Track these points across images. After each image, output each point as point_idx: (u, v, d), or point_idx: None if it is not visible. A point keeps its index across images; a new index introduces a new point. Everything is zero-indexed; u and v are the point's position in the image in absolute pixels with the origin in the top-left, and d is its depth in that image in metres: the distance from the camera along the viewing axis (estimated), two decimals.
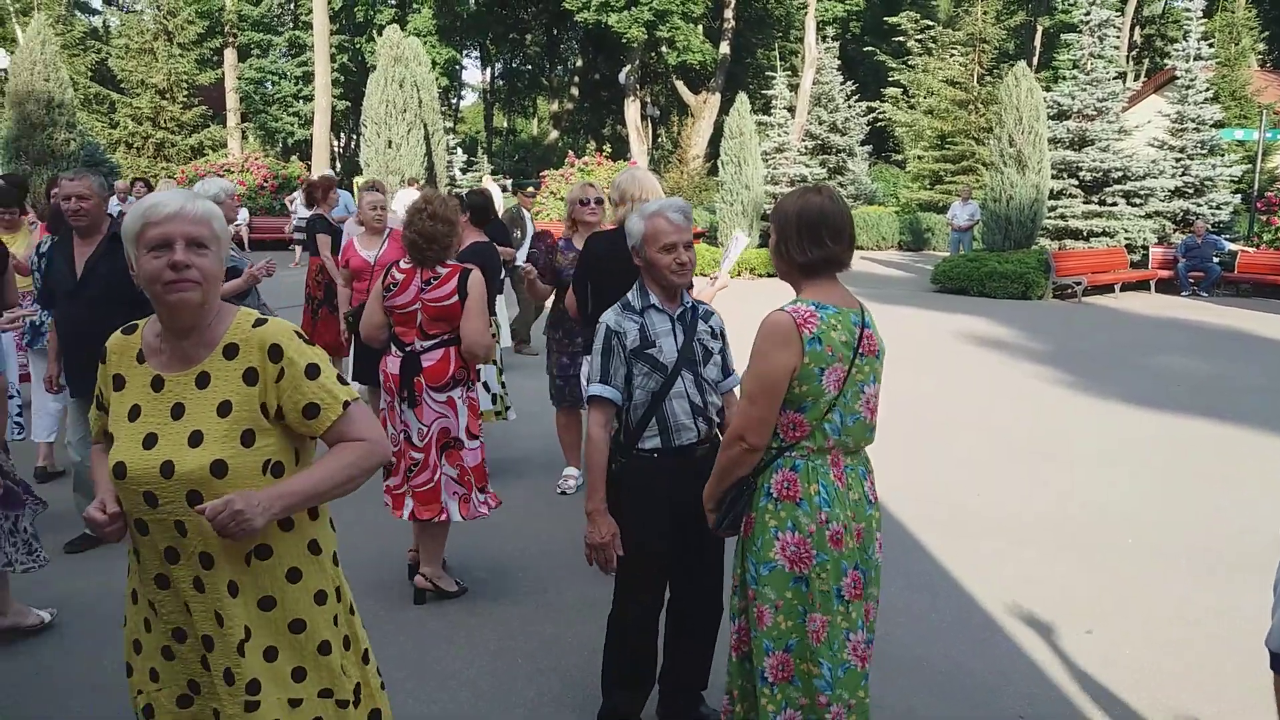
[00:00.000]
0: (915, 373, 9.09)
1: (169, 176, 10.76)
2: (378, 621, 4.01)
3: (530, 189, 12.13)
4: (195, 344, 2.02)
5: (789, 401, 2.49)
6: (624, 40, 31.68)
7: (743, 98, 19.93)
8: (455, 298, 4.15)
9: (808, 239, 2.51)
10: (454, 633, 4.08)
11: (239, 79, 33.88)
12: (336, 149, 34.46)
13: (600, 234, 4.77)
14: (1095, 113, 18.71)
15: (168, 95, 29.01)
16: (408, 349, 4.22)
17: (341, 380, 2.08)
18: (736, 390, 3.14)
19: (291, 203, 19.70)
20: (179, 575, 1.99)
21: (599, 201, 5.51)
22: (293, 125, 34.88)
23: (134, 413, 2.02)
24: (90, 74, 33.71)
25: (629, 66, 33.71)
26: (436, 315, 4.17)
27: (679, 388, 3.01)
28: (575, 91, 45.35)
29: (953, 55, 29.91)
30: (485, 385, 5.98)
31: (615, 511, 3.03)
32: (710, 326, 3.15)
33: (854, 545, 2.53)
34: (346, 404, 2.05)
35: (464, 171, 29.61)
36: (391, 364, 4.26)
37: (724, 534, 2.71)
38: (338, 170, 30.23)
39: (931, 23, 33.08)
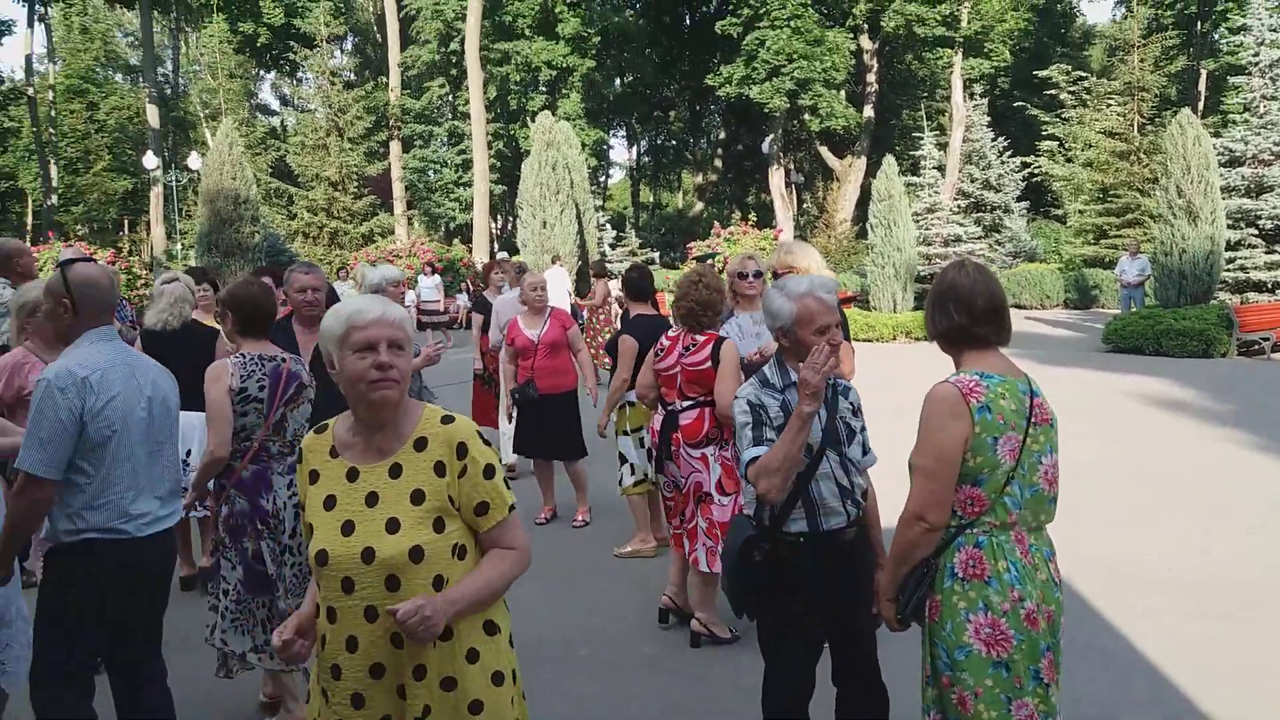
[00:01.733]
0: (1091, 436, 8.62)
1: (370, 263, 11.53)
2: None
3: (709, 260, 12.22)
4: (388, 437, 2.17)
5: (964, 475, 2.41)
6: (766, 111, 32.05)
7: (890, 160, 19.78)
8: (709, 364, 4.57)
9: (938, 311, 2.57)
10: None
11: (404, 169, 36.00)
12: (494, 230, 35.99)
13: None
14: (1272, 157, 17.61)
15: (339, 187, 31.13)
16: (669, 408, 4.71)
17: (507, 484, 2.24)
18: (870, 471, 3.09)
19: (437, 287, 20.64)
20: (354, 664, 2.09)
21: (758, 275, 5.52)
22: (454, 210, 36.70)
23: (330, 502, 2.15)
24: (270, 170, 36.66)
25: (772, 136, 34.01)
26: (693, 379, 4.63)
27: (825, 468, 2.90)
28: (719, 163, 46.01)
29: (1110, 105, 28.85)
30: (621, 456, 5.99)
31: (760, 598, 2.98)
32: (850, 403, 3.07)
33: (1045, 627, 2.41)
34: (511, 507, 2.21)
35: (613, 247, 30.35)
36: (656, 420, 4.83)
37: (904, 624, 2.60)
38: (495, 251, 31.53)
39: (1084, 74, 32.07)
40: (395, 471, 2.13)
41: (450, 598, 2.05)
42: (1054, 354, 15.22)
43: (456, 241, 35.15)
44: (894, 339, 18.20)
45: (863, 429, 3.07)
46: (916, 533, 2.47)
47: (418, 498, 2.11)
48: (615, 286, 12.75)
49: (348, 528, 2.10)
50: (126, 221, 44.50)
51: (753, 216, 29.48)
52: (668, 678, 4.38)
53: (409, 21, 37.53)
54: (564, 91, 36.70)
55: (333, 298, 5.27)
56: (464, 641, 2.13)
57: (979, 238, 23.65)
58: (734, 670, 4.35)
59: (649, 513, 6.01)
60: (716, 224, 24.51)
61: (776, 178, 34.84)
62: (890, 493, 3.35)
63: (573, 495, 6.81)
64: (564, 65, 35.32)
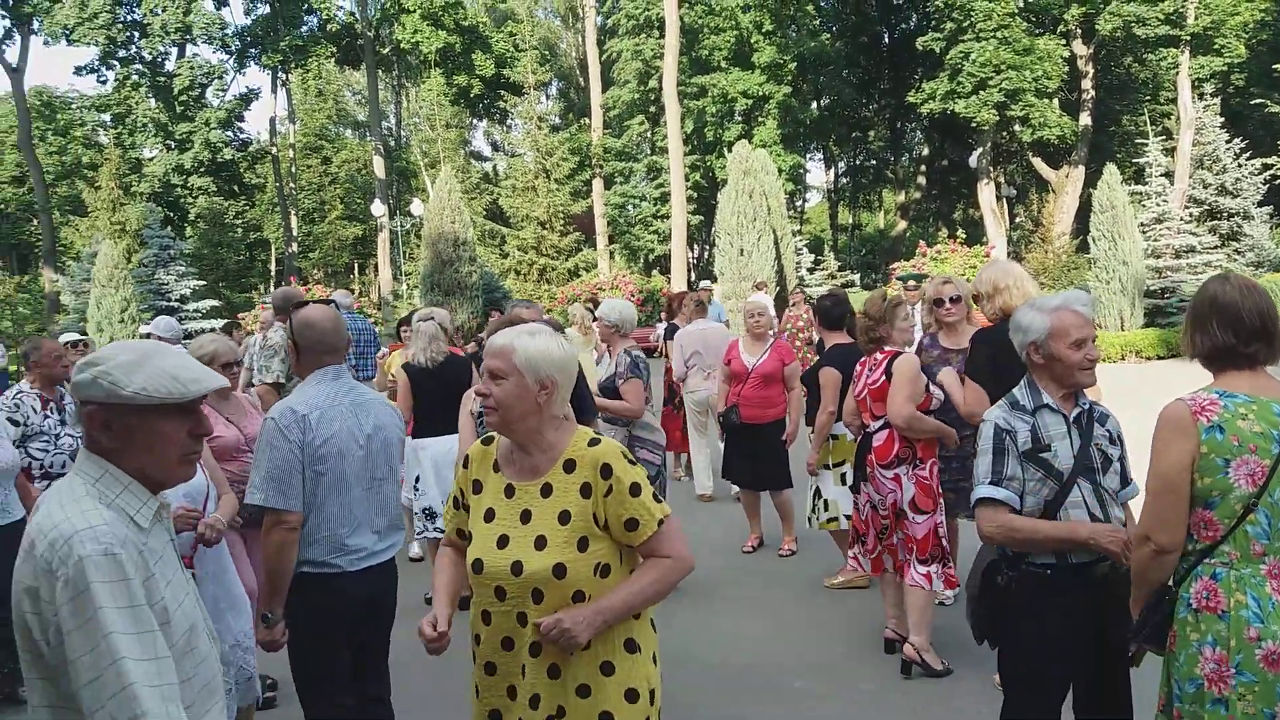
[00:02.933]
0: None
1: (585, 304, 12.08)
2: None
3: (912, 282, 11.84)
4: (539, 458, 2.32)
5: (1194, 497, 2.31)
6: (974, 125, 30.89)
7: (1111, 169, 18.59)
8: (884, 380, 4.65)
9: (1199, 329, 2.45)
10: None
11: (606, 205, 37.15)
12: (691, 260, 36.45)
13: (986, 331, 4.59)
14: None
15: (547, 225, 32.48)
16: (866, 430, 4.80)
17: (657, 498, 2.30)
18: (1133, 503, 2.88)
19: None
20: (507, 663, 2.28)
21: (955, 300, 5.30)
22: (652, 242, 37.48)
23: (489, 515, 2.34)
24: (484, 213, 38.72)
25: (980, 150, 32.70)
26: (876, 398, 4.70)
27: (1075, 497, 2.74)
28: (922, 180, 44.68)
29: None
30: (817, 490, 5.87)
31: (1002, 629, 2.85)
32: (1108, 430, 2.88)
33: None
34: (661, 520, 2.28)
35: (811, 271, 30.03)
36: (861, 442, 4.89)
37: (1141, 647, 2.50)
38: (692, 280, 31.89)
39: None
40: (546, 491, 2.28)
41: (599, 607, 2.19)
42: None
43: (655, 272, 35.84)
44: (1122, 359, 16.95)
45: (1121, 458, 2.89)
46: (1145, 553, 2.40)
47: (564, 518, 2.25)
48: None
49: (502, 541, 2.27)
50: (357, 265, 48.17)
51: (961, 234, 28.40)
52: (883, 712, 4.26)
53: (609, 64, 38.85)
54: (760, 119, 36.80)
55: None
56: (599, 654, 2.23)
57: (1215, 247, 21.70)
58: (953, 708, 4.19)
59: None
60: (922, 243, 23.79)
61: (986, 192, 33.42)
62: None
63: (779, 524, 6.75)
64: (760, 94, 35.45)
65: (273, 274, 44.56)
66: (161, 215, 29.32)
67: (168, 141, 36.12)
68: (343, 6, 38.61)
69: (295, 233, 41.34)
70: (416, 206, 32.80)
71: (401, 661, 3.59)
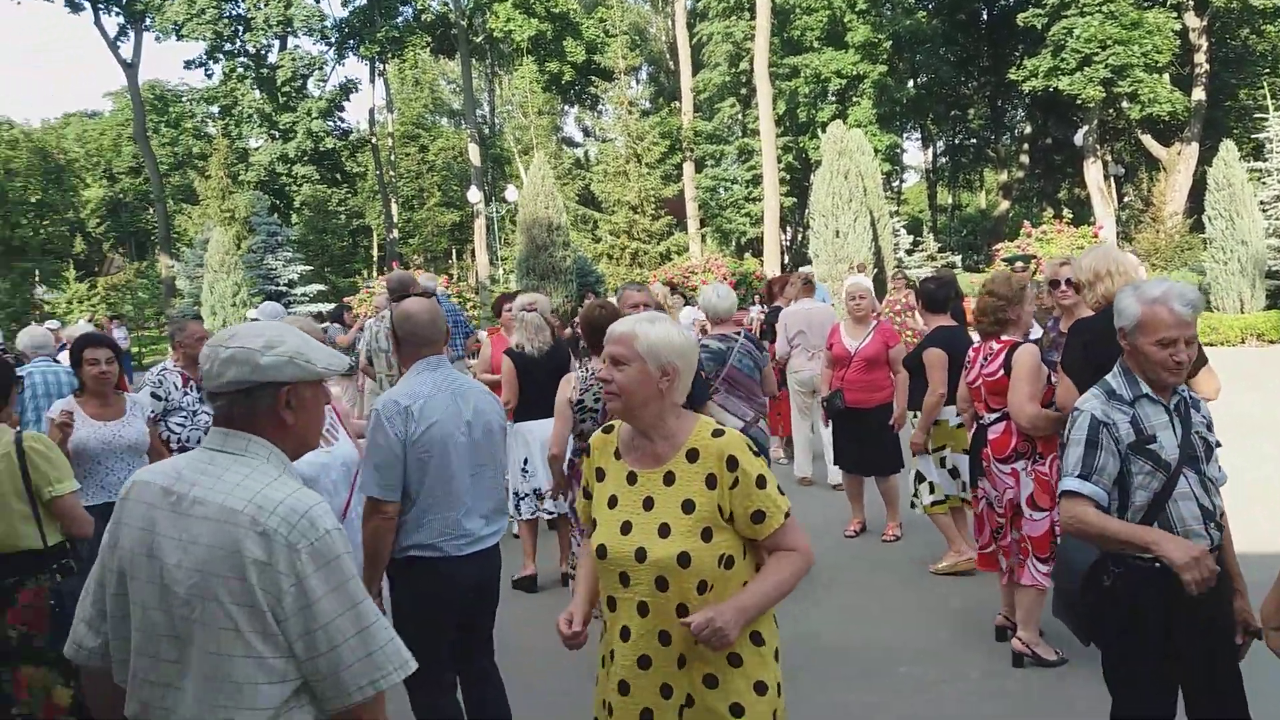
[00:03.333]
0: None
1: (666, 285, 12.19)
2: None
3: (1019, 263, 11.53)
4: (662, 446, 2.33)
5: None
6: (1078, 102, 29.78)
7: (1228, 145, 17.76)
8: (1002, 372, 4.42)
9: None
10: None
11: (697, 188, 37.03)
12: (784, 242, 36.09)
13: (1085, 321, 4.44)
14: None
15: (639, 209, 32.54)
16: (979, 421, 4.59)
17: (781, 491, 2.31)
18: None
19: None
20: (625, 652, 2.28)
21: (1070, 282, 5.12)
22: (744, 225, 37.21)
23: (612, 501, 2.36)
24: (577, 198, 39.01)
25: (1086, 128, 31.50)
26: (992, 389, 4.50)
27: (1183, 488, 2.65)
28: (1025, 159, 43.27)
29: None
30: (919, 474, 5.78)
31: (1105, 626, 2.78)
32: (1204, 417, 2.79)
33: None
34: (787, 513, 2.29)
35: (909, 253, 29.43)
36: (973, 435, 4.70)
37: (1247, 638, 2.48)
38: (785, 263, 31.56)
39: None
40: (669, 479, 2.29)
41: (740, 604, 2.19)
42: None
43: (748, 255, 35.60)
44: (1242, 342, 16.23)
45: (1217, 444, 2.80)
46: None
47: (688, 507, 2.25)
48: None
49: (626, 527, 2.29)
50: (455, 250, 49.11)
51: (1067, 213, 27.45)
52: (993, 700, 4.19)
53: (699, 47, 38.61)
54: (854, 99, 36.11)
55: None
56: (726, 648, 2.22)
57: None
58: (1065, 699, 4.10)
59: (956, 528, 5.79)
60: (1026, 223, 23.10)
61: (1093, 171, 32.19)
62: (1251, 515, 3.02)
63: (882, 509, 6.68)
64: (854, 73, 34.78)
65: (375, 259, 45.76)
66: (268, 203, 30.40)
67: (272, 131, 37.34)
68: None
69: (395, 219, 42.34)
70: (511, 193, 33.25)
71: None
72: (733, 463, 2.25)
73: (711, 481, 2.25)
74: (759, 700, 2.25)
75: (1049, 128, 40.22)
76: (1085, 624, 2.89)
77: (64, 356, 11.41)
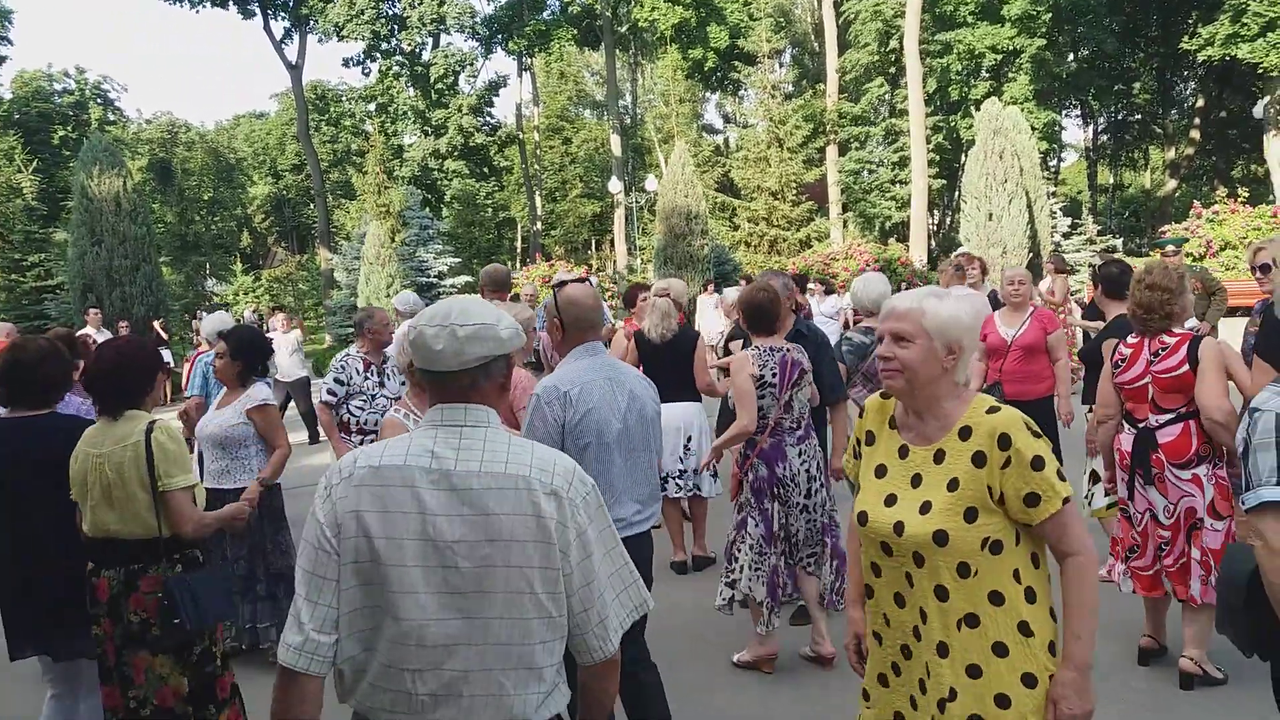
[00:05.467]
0: None
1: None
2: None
3: (1171, 247, 10.82)
4: (932, 425, 2.25)
5: None
6: (1260, 70, 27.61)
7: None
8: (1185, 367, 4.00)
9: None
10: None
11: (840, 172, 36.26)
12: (931, 226, 34.95)
13: None
14: None
15: (779, 196, 32.09)
16: (1141, 425, 4.17)
17: (1061, 476, 2.13)
18: None
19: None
20: (902, 619, 2.26)
21: (1265, 269, 4.75)
22: (889, 209, 36.23)
23: (880, 471, 2.31)
24: (715, 186, 38.80)
25: (1267, 99, 29.18)
26: (1168, 387, 4.07)
27: None
28: (1195, 134, 40.47)
29: None
30: (1093, 474, 5.40)
31: (1275, 637, 2.45)
32: None
33: None
34: (1065, 500, 2.11)
35: (1067, 236, 27.98)
36: (1124, 441, 4.27)
37: None
38: (932, 248, 30.56)
39: None
40: (939, 457, 2.21)
41: (1071, 658, 2.10)
42: None
43: (892, 240, 34.60)
44: None
45: None
46: None
47: (953, 485, 2.15)
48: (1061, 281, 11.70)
49: (890, 500, 2.24)
50: (594, 240, 49.77)
51: (1242, 193, 25.55)
52: (1163, 716, 3.91)
53: (846, 27, 37.70)
54: (1010, 75, 34.56)
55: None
56: (989, 635, 2.14)
57: None
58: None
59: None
60: (1196, 203, 21.65)
61: (1275, 146, 29.81)
62: None
63: None
64: (1010, 48, 33.25)
65: (518, 251, 46.88)
66: (420, 197, 31.49)
67: (425, 128, 38.69)
68: None
69: (539, 211, 43.20)
70: (650, 182, 33.36)
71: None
72: (1005, 441, 2.12)
73: (980, 460, 2.14)
74: (1028, 693, 2.13)
75: (1224, 100, 37.51)
76: (1247, 636, 2.62)
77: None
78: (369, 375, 5.85)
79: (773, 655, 4.58)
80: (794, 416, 4.50)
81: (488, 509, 1.83)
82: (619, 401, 3.27)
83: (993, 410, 2.19)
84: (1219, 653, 4.13)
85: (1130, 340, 4.25)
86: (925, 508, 2.17)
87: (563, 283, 3.56)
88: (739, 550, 4.49)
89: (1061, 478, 2.12)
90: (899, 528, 2.19)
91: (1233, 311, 10.40)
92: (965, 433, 2.19)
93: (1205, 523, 3.99)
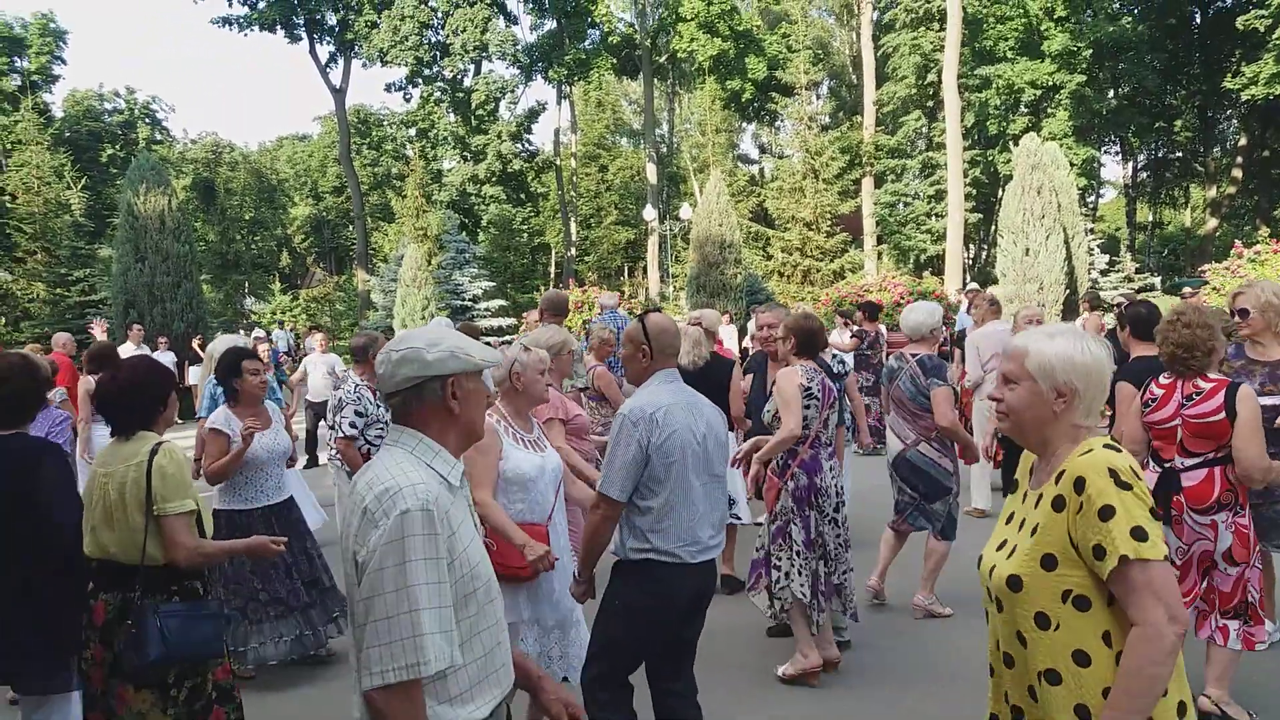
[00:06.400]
0: None
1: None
2: None
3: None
4: (1044, 468, 2.18)
5: None
6: None
7: None
8: (1221, 415, 3.94)
9: None
10: None
11: (875, 204, 36.22)
12: (966, 260, 34.76)
13: None
14: None
15: (813, 226, 32.09)
16: (1166, 465, 4.13)
17: (1139, 534, 1.96)
18: None
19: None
20: (999, 665, 2.21)
21: (1242, 313, 4.71)
22: (925, 242, 36.11)
23: (1010, 517, 2.26)
24: (750, 215, 38.88)
25: None
26: (1198, 432, 4.01)
27: None
28: (1237, 173, 40.01)
29: None
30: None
31: None
32: None
33: None
34: (1124, 558, 1.94)
35: (1104, 274, 27.72)
36: (1148, 479, 4.14)
37: None
38: (966, 281, 30.38)
39: None
40: (1037, 501, 2.14)
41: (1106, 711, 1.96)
42: None
43: (927, 273, 34.45)
44: None
45: None
46: None
47: (1034, 530, 2.10)
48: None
49: (1001, 545, 2.20)
50: (627, 268, 49.99)
51: None
52: None
53: (884, 59, 37.83)
54: (1049, 111, 34.47)
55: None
56: (1072, 695, 2.03)
57: None
58: None
59: None
60: (1238, 243, 21.39)
61: None
62: None
63: None
64: (1050, 83, 33.19)
65: (552, 276, 47.16)
66: (458, 221, 31.83)
67: (464, 154, 39.16)
68: (623, 19, 40.13)
69: (574, 237, 43.50)
70: (685, 211, 33.52)
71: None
72: (1080, 485, 2.00)
73: (1059, 504, 2.04)
74: None
75: (1267, 139, 37.11)
76: None
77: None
78: (380, 403, 5.81)
79: (819, 667, 4.67)
80: (829, 433, 4.83)
81: (349, 520, 2.02)
82: (698, 426, 3.38)
83: (1087, 452, 2.06)
84: (1248, 693, 4.08)
85: (1163, 380, 4.21)
86: (1010, 551, 2.14)
87: (649, 310, 3.72)
88: (781, 558, 4.68)
89: (1137, 535, 1.94)
90: (990, 571, 2.18)
91: None
92: (1060, 476, 2.08)
93: (1219, 565, 4.00)
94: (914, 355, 5.58)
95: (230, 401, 5.07)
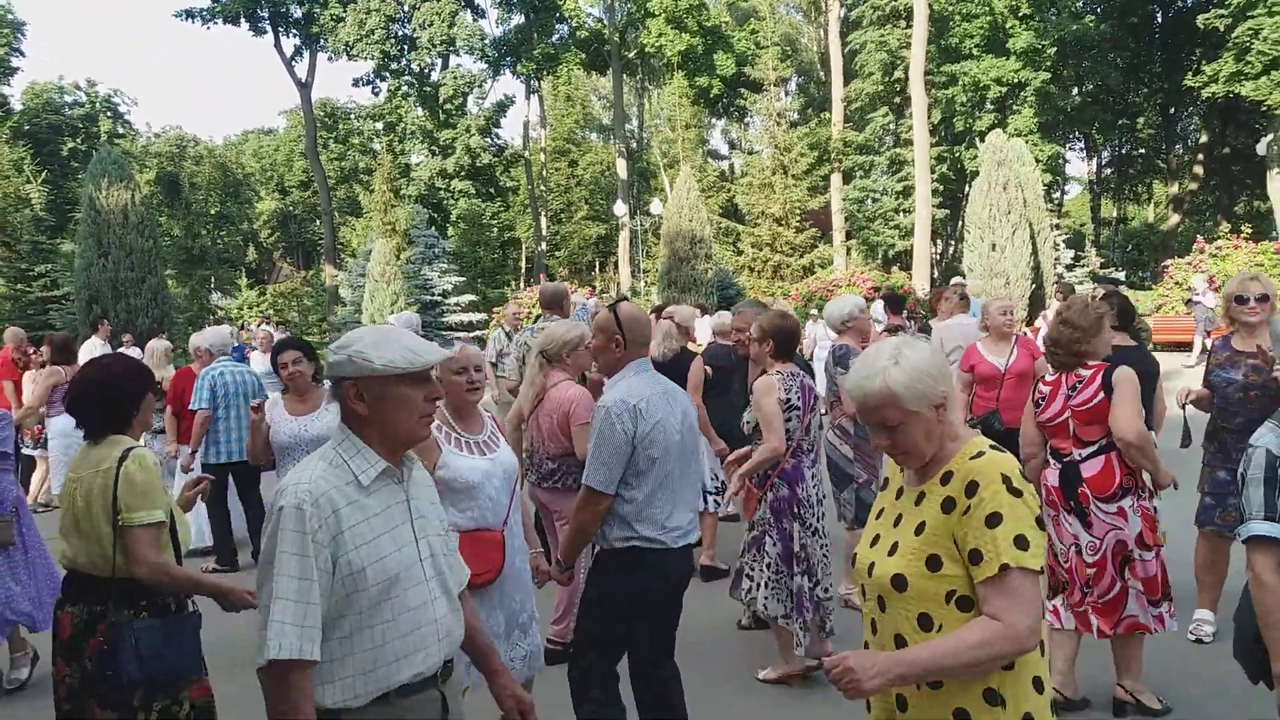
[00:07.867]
0: None
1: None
2: None
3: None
4: (930, 467, 2.13)
5: None
6: (1263, 108, 27.82)
7: None
8: (1101, 395, 4.02)
9: None
10: None
11: (844, 200, 36.44)
12: (934, 256, 35.04)
13: None
14: None
15: (783, 222, 32.26)
16: (1065, 459, 4.15)
17: (1022, 542, 1.94)
18: None
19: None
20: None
21: (1262, 299, 4.81)
22: (893, 238, 36.38)
23: (881, 512, 2.25)
24: (720, 211, 38.98)
25: (1270, 136, 29.37)
26: (1086, 419, 4.07)
27: None
28: (1198, 170, 40.68)
29: None
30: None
31: None
32: None
33: None
34: (1004, 567, 1.92)
35: (1069, 268, 28.09)
36: (1050, 476, 4.22)
37: None
38: (935, 277, 30.63)
39: None
40: (919, 499, 2.12)
41: (900, 657, 1.95)
42: None
43: (895, 269, 34.73)
44: None
45: None
46: None
47: (919, 529, 2.07)
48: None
49: (874, 540, 2.19)
50: (598, 262, 49.92)
51: (1245, 228, 25.69)
52: None
53: (852, 56, 38.03)
54: (1015, 108, 34.81)
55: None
56: (953, 699, 2.01)
57: None
58: None
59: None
60: (1200, 238, 21.80)
61: (1276, 183, 29.98)
62: None
63: None
64: (1015, 81, 33.53)
65: (523, 271, 47.03)
66: (427, 216, 31.66)
67: (432, 148, 38.90)
68: (591, 13, 40.03)
69: (544, 232, 43.38)
70: (655, 206, 33.55)
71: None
72: (972, 488, 1.99)
73: (948, 505, 2.02)
74: None
75: (1227, 137, 37.74)
76: (1257, 665, 2.68)
77: (255, 356, 12.08)
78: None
79: (800, 672, 4.66)
80: (810, 440, 4.64)
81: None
82: (676, 414, 3.40)
83: (978, 455, 2.06)
84: (1162, 684, 4.17)
85: (1048, 378, 4.26)
86: (893, 549, 2.10)
87: (620, 300, 3.68)
88: (753, 569, 4.59)
89: (1020, 544, 1.93)
90: (870, 568, 2.14)
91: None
92: (947, 477, 2.07)
93: (1135, 554, 4.01)
94: (835, 346, 5.70)
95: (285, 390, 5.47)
